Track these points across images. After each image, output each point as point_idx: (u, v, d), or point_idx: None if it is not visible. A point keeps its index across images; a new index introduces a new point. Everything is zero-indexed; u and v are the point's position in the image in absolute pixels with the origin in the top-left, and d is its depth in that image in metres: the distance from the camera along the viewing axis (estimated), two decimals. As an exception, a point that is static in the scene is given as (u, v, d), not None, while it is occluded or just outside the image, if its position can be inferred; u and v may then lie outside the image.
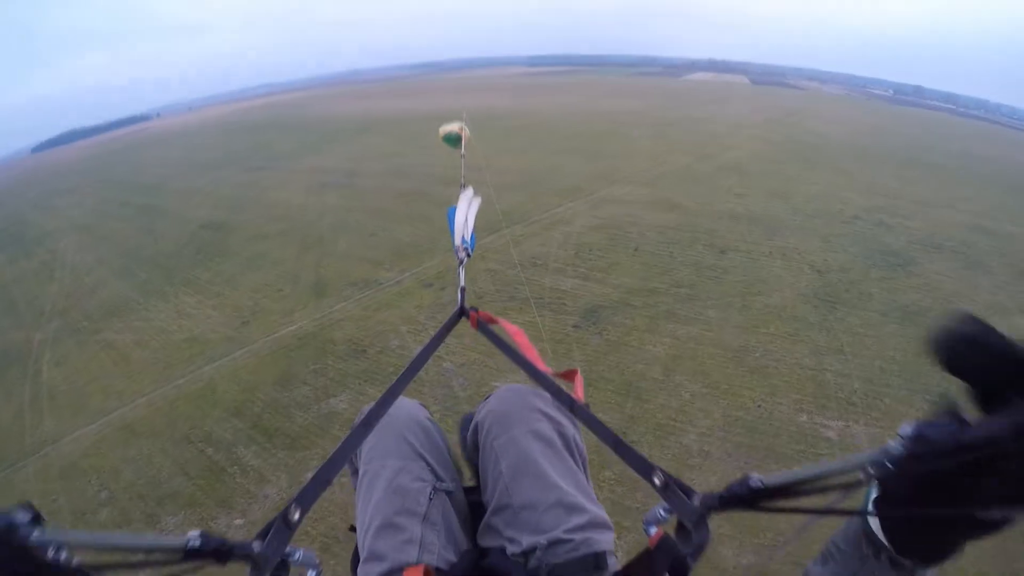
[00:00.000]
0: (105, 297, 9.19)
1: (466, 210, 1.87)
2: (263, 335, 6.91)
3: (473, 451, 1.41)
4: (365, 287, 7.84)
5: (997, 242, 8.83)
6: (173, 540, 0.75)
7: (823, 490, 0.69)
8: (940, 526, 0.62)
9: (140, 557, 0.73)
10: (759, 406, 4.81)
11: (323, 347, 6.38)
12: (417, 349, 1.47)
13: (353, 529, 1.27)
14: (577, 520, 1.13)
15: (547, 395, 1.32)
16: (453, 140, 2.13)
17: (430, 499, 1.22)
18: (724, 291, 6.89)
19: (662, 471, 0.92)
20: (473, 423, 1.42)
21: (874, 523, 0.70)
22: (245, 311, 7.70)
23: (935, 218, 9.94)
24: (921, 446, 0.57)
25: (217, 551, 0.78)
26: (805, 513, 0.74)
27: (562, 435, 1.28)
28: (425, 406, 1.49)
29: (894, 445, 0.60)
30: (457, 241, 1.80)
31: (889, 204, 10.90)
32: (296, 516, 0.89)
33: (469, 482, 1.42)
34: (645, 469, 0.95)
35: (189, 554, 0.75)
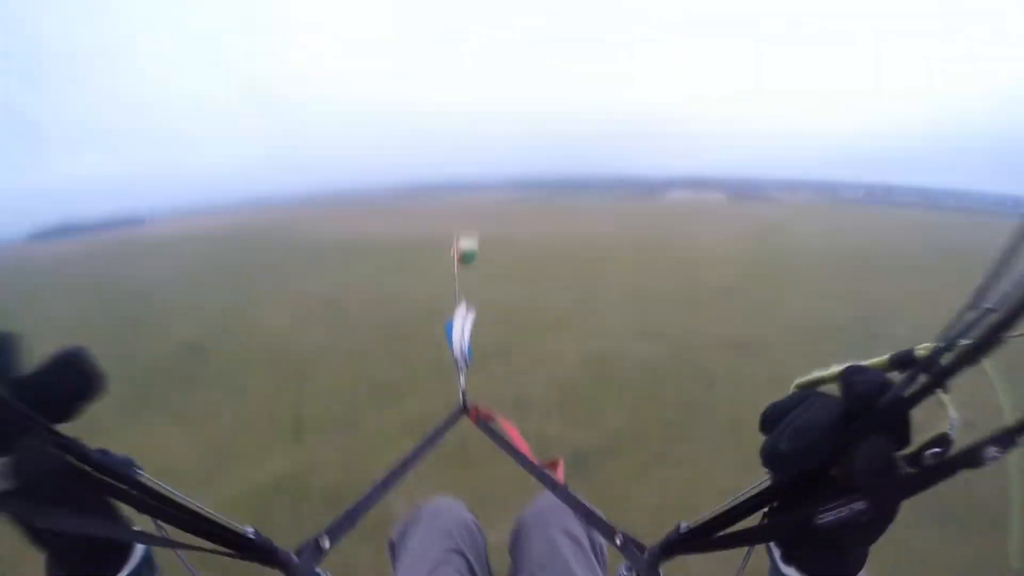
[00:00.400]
0: (80, 416, 8.77)
1: (462, 324, 2.03)
2: (238, 476, 6.57)
3: (511, 544, 1.59)
4: (344, 430, 7.56)
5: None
6: (234, 524, 0.84)
7: (747, 516, 0.77)
8: (819, 536, 0.64)
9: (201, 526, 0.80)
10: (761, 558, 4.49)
11: (299, 494, 6.04)
12: (416, 444, 1.61)
13: None
14: None
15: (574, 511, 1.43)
16: (470, 257, 2.27)
17: None
18: (714, 430, 6.70)
19: (622, 532, 1.10)
20: (515, 521, 1.61)
21: (786, 568, 0.74)
22: (222, 447, 7.34)
23: (919, 322, 9.91)
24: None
25: (265, 550, 0.87)
26: (732, 547, 0.79)
27: (591, 539, 1.47)
28: (470, 509, 1.69)
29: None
30: (456, 352, 1.97)
31: (872, 313, 10.95)
32: (326, 544, 1.02)
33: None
34: (608, 532, 1.13)
35: (242, 544, 0.83)
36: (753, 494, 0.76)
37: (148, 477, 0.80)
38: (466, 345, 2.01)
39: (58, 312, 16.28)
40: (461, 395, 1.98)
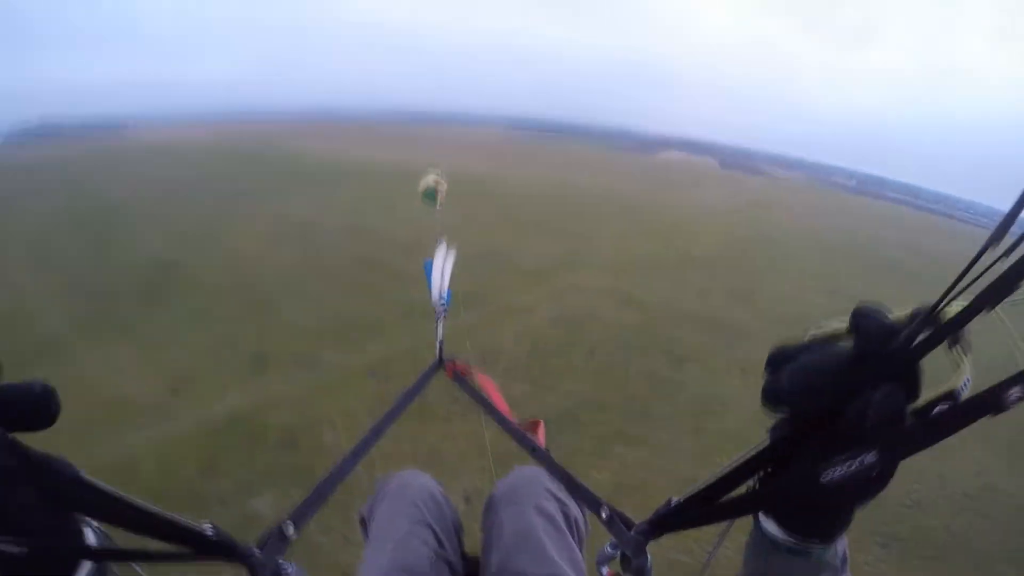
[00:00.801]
0: (40, 332, 8.36)
1: (442, 265, 1.98)
2: (194, 409, 6.34)
3: (483, 519, 1.49)
4: (306, 366, 7.32)
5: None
6: (190, 523, 0.79)
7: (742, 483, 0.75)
8: (821, 495, 0.62)
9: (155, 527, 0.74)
10: (705, 550, 4.41)
11: (254, 434, 5.85)
12: (396, 397, 1.56)
13: None
14: None
15: (556, 479, 1.40)
16: (431, 195, 2.22)
17: (431, 563, 1.28)
18: (677, 410, 6.59)
19: (608, 506, 1.04)
20: (488, 496, 1.51)
21: (768, 524, 0.74)
22: (179, 376, 7.09)
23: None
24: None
25: (225, 546, 0.83)
26: (731, 517, 0.78)
27: (565, 515, 1.38)
28: (440, 482, 1.58)
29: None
30: (435, 296, 1.94)
31: (850, 308, 10.89)
32: (291, 531, 0.97)
33: (475, 550, 1.48)
34: (594, 504, 1.09)
35: (200, 542, 0.79)
36: (749, 457, 0.73)
37: (91, 478, 0.72)
38: (445, 288, 1.97)
39: (27, 220, 15.49)
40: (438, 346, 1.92)
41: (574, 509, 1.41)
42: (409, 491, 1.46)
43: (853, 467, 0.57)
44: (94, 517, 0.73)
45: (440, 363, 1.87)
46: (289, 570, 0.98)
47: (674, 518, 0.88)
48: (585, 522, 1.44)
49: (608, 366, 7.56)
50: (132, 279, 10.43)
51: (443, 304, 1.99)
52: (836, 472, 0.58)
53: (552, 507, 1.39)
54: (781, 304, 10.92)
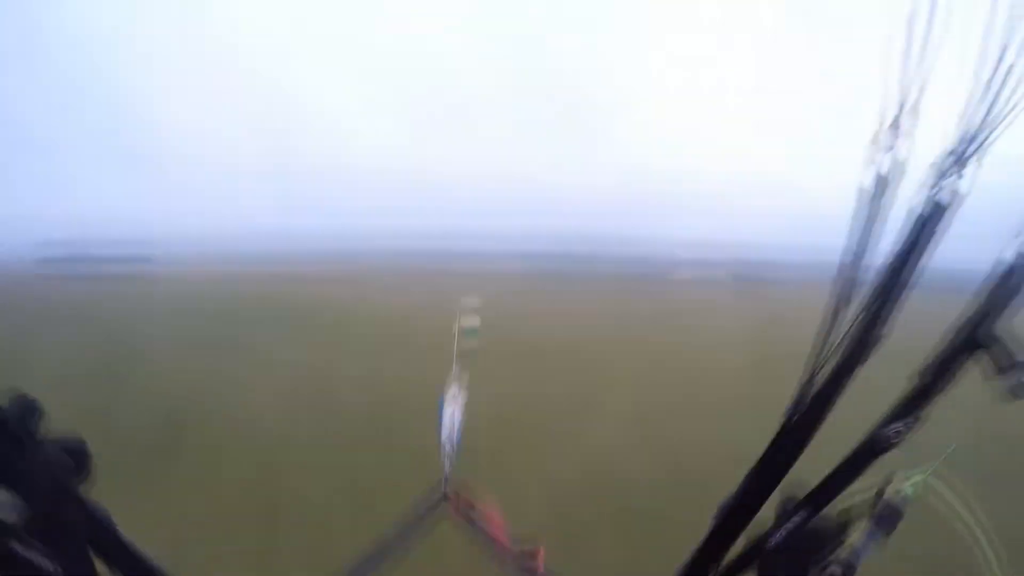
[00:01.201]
0: None
1: (452, 410, 2.10)
2: None
3: None
4: (314, 550, 7.04)
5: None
6: None
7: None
8: None
9: None
10: None
11: None
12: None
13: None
14: None
15: None
16: (472, 332, 2.48)
17: None
18: None
19: None
20: None
21: None
22: (176, 561, 6.49)
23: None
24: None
25: None
26: None
27: None
28: None
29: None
30: (444, 437, 2.05)
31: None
32: None
33: None
34: None
35: None
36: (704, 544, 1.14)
37: (125, 537, 0.96)
38: (456, 431, 2.09)
39: (48, 359, 15.54)
40: (443, 482, 2.01)
41: None
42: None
43: None
44: (118, 567, 0.89)
45: (444, 497, 1.96)
46: None
47: None
48: None
49: (641, 526, 7.32)
50: (142, 434, 10.28)
51: (452, 446, 2.09)
52: None
53: None
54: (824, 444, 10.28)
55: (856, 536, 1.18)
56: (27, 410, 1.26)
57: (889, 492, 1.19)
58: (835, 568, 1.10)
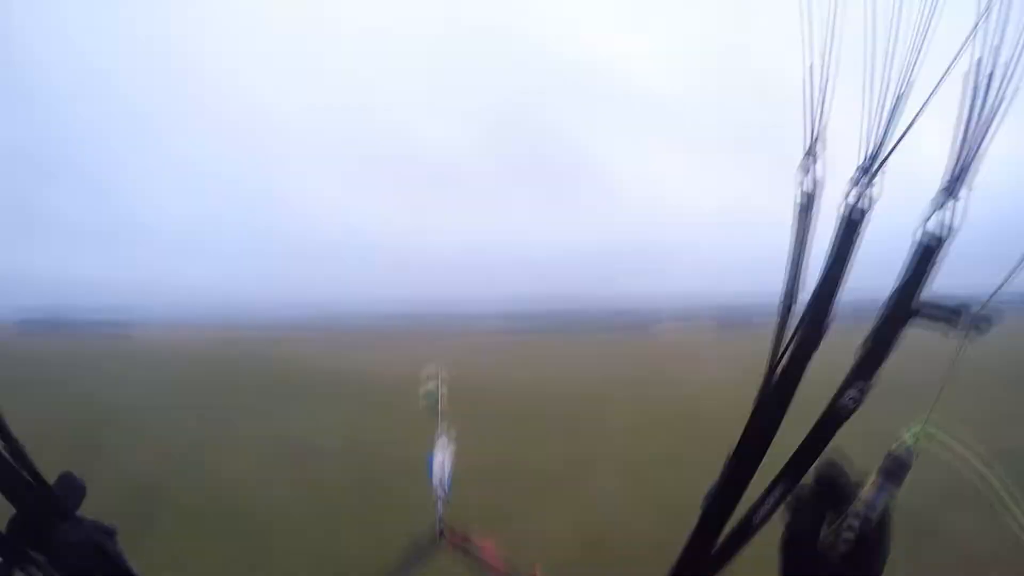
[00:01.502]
0: None
1: (442, 458, 2.10)
2: None
3: None
4: None
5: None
6: None
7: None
8: None
9: None
10: None
11: None
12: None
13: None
14: None
15: None
16: (432, 398, 2.41)
17: None
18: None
19: None
20: None
21: None
22: None
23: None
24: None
25: None
26: None
27: None
28: None
29: None
30: (435, 483, 2.02)
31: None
32: None
33: None
34: None
35: None
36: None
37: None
38: (447, 477, 2.08)
39: (22, 421, 15.19)
40: (437, 522, 1.97)
41: None
42: None
43: None
44: None
45: (440, 535, 1.95)
46: None
47: None
48: None
49: None
50: (116, 503, 9.68)
51: (444, 490, 2.09)
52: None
53: None
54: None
55: (867, 491, 1.27)
56: (72, 488, 1.45)
57: (893, 446, 1.30)
58: (852, 520, 1.21)
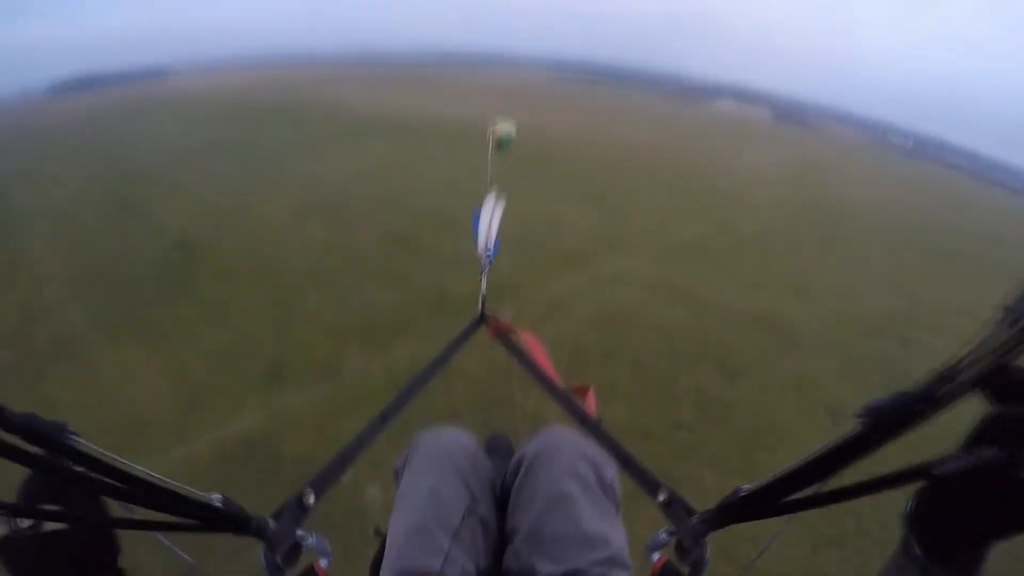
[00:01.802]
0: (58, 326, 8.24)
1: (490, 216, 1.89)
2: (207, 430, 6.02)
3: (511, 480, 1.40)
4: (326, 377, 6.91)
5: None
6: (198, 494, 0.80)
7: (811, 481, 0.75)
8: (971, 533, 0.71)
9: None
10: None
11: (267, 466, 5.50)
12: (432, 355, 1.59)
13: (378, 534, 1.33)
14: (599, 555, 1.12)
15: (589, 441, 1.40)
16: (507, 141, 2.12)
17: (463, 518, 1.23)
18: (727, 439, 6.06)
19: (669, 489, 1.08)
20: (517, 456, 1.42)
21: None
22: (194, 387, 6.81)
23: (961, 334, 9.06)
24: (873, 415, 0.69)
25: (236, 519, 0.85)
26: (811, 508, 0.76)
27: (599, 477, 1.30)
28: (473, 435, 1.50)
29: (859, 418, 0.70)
30: (480, 247, 1.86)
31: (912, 311, 10.10)
32: (311, 500, 1.02)
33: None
34: (651, 486, 1.13)
35: (208, 515, 0.81)
36: (836, 446, 0.70)
37: (88, 444, 0.73)
38: (492, 239, 1.89)
39: (56, 190, 15.37)
40: (480, 301, 1.85)
41: (609, 471, 1.33)
42: (443, 446, 1.41)
43: (970, 460, 0.64)
44: (106, 494, 0.72)
45: (482, 319, 1.79)
46: (309, 540, 1.00)
47: (742, 509, 0.86)
48: (619, 486, 1.35)
49: (653, 380, 7.01)
50: (152, 265, 10.14)
51: (489, 256, 1.91)
52: (951, 465, 0.65)
53: (585, 469, 1.30)
54: (838, 300, 10.17)
55: None
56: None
57: None
58: None
